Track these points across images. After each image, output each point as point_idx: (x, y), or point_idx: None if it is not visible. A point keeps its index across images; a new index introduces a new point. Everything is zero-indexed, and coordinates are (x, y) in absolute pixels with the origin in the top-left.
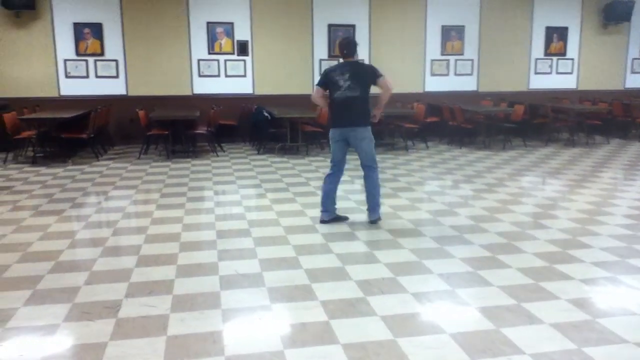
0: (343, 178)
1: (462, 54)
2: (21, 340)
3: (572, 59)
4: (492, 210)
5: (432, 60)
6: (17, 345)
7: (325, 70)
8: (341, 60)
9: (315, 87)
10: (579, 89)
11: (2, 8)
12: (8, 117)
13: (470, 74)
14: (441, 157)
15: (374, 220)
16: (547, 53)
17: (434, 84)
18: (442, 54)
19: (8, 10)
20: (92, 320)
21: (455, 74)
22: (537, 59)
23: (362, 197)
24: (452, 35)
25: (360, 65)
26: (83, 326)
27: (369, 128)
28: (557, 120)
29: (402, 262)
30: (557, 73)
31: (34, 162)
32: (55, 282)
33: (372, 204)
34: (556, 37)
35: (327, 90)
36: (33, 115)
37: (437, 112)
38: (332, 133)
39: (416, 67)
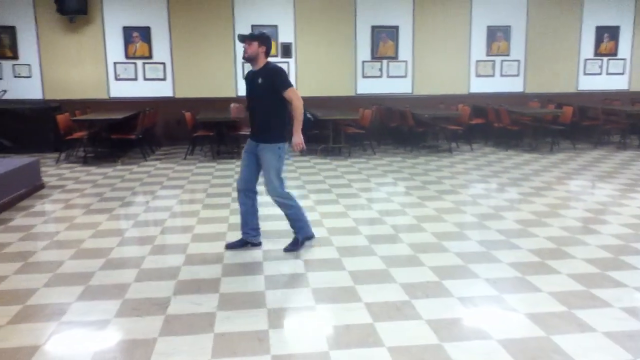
0: (386, 180)
1: (508, 55)
2: (74, 335)
3: (624, 59)
4: (540, 214)
5: (477, 61)
6: (70, 339)
7: (281, 68)
8: (267, 60)
9: (291, 86)
10: (631, 90)
11: (57, 14)
12: (61, 118)
13: (517, 75)
14: (486, 160)
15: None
16: (597, 53)
17: (479, 85)
18: (488, 55)
19: (62, 16)
20: (141, 316)
21: (501, 75)
22: (586, 60)
23: (406, 199)
24: (497, 35)
25: None
26: (133, 322)
27: None
28: (607, 122)
29: (448, 266)
30: (608, 74)
31: (85, 162)
32: (106, 278)
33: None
34: (607, 36)
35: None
36: (84, 117)
37: (482, 114)
38: (286, 146)
39: (461, 69)
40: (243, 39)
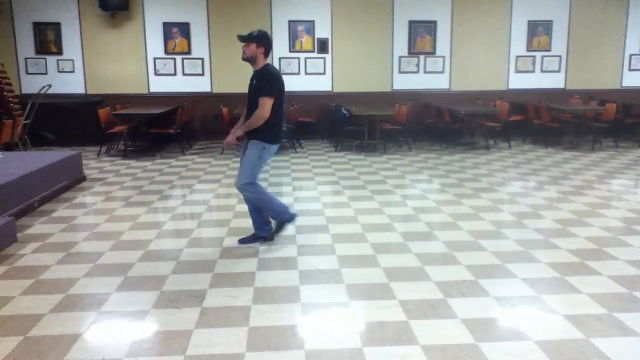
0: (421, 177)
1: (549, 50)
2: (113, 325)
3: None
4: (580, 213)
5: (517, 57)
6: (109, 328)
7: (275, 74)
8: (267, 60)
9: (268, 97)
10: None
11: (100, 10)
12: (102, 112)
13: (558, 71)
14: (525, 157)
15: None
16: None
17: (519, 81)
18: (528, 50)
19: (104, 12)
20: (178, 308)
21: (542, 71)
22: (632, 55)
23: (441, 196)
24: (538, 30)
25: None
26: (170, 313)
27: None
28: None
29: (484, 265)
30: None
31: (125, 155)
32: (144, 270)
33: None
34: None
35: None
36: (125, 111)
37: (521, 111)
38: (272, 149)
39: (499, 64)
40: (242, 39)
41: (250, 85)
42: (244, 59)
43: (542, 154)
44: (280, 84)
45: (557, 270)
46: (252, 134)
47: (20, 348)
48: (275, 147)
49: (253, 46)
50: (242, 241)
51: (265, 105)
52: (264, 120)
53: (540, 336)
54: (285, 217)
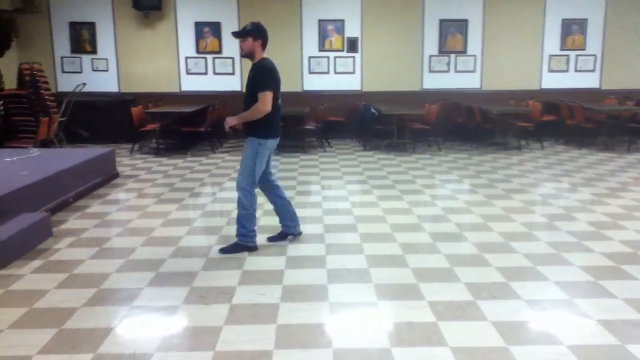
0: (451, 177)
1: (583, 49)
2: (144, 319)
3: None
4: (615, 216)
5: (550, 56)
6: (141, 323)
7: (271, 69)
8: (263, 54)
9: (266, 91)
10: None
11: (133, 9)
12: (135, 110)
13: (592, 71)
14: (557, 158)
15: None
16: None
17: (552, 81)
18: (562, 49)
19: (137, 12)
20: (208, 304)
21: (576, 70)
22: None
23: (472, 197)
24: (573, 28)
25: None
26: (200, 309)
27: None
28: None
29: (515, 267)
30: None
31: (157, 153)
32: (175, 266)
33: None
34: None
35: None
36: (157, 110)
37: (554, 111)
38: (269, 144)
39: (532, 63)
40: (237, 35)
41: (248, 79)
42: (243, 55)
43: (575, 155)
44: (276, 78)
45: (591, 273)
46: (248, 131)
47: (55, 340)
48: (272, 142)
49: (249, 40)
50: (271, 239)
51: (265, 98)
52: (264, 114)
53: (572, 341)
54: (248, 244)
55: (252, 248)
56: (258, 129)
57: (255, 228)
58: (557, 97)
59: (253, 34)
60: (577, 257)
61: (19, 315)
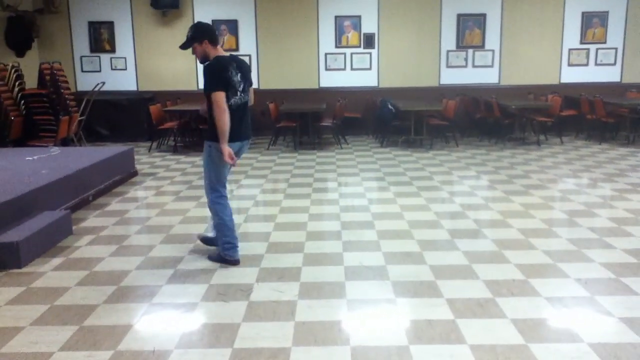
0: (469, 173)
1: (604, 42)
2: (164, 316)
3: None
4: (637, 212)
5: (570, 50)
6: (160, 320)
7: (217, 66)
8: (222, 51)
9: (214, 92)
10: None
11: (151, 8)
12: (154, 108)
13: (613, 64)
14: (577, 154)
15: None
16: None
17: (572, 75)
18: (582, 43)
19: (155, 10)
20: (226, 301)
21: (596, 64)
22: None
23: (490, 193)
24: (593, 21)
25: (242, 60)
26: (218, 306)
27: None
28: None
29: (535, 264)
30: None
31: (175, 150)
32: (193, 263)
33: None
34: None
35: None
36: (175, 107)
37: (574, 105)
38: (229, 147)
39: (552, 57)
40: (183, 48)
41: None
42: (201, 62)
43: (596, 150)
44: (225, 77)
45: (612, 270)
46: (205, 134)
47: (76, 337)
48: (231, 146)
49: (196, 46)
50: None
51: (217, 98)
52: (225, 113)
53: (594, 338)
54: (226, 256)
55: (230, 261)
56: (211, 131)
57: (234, 241)
58: (577, 91)
59: (195, 38)
60: (598, 254)
61: (41, 312)
